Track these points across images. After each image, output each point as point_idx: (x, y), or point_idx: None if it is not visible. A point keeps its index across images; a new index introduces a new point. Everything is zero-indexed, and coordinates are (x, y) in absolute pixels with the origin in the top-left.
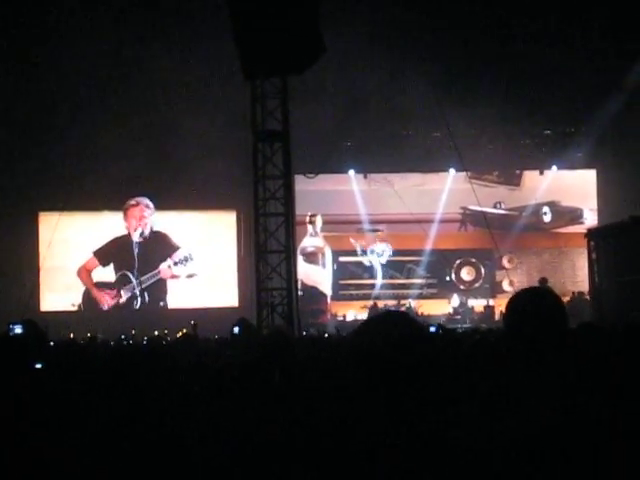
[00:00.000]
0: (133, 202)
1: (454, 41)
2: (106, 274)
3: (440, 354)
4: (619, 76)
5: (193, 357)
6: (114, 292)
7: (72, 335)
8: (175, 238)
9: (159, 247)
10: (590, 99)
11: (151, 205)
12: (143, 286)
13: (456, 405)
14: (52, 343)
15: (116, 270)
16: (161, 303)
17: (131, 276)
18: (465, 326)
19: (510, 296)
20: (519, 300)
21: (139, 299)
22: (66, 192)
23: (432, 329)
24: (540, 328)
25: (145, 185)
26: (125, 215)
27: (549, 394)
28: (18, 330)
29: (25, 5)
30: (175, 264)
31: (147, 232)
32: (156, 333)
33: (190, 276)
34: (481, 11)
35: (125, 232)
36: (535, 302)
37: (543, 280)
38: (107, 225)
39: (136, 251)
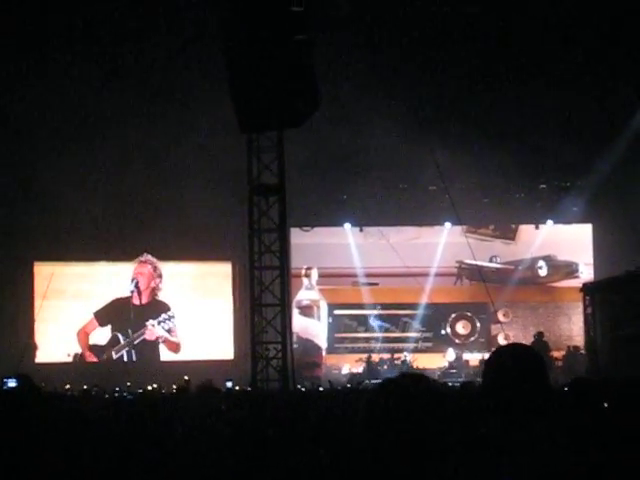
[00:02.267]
0: (142, 259)
1: (450, 95)
2: (102, 335)
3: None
4: (614, 130)
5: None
6: (104, 355)
7: (68, 387)
8: (171, 289)
9: (155, 313)
10: (585, 153)
11: (157, 264)
12: (132, 344)
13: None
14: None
15: (112, 331)
16: (153, 361)
17: (121, 338)
18: (460, 380)
19: None
20: (497, 357)
21: (127, 356)
22: (61, 243)
23: None
24: (516, 386)
25: (141, 236)
26: (135, 273)
27: (527, 453)
28: (12, 384)
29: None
30: (159, 323)
31: (150, 298)
32: (151, 387)
33: (173, 347)
34: (478, 66)
35: (127, 293)
36: (513, 359)
37: (540, 334)
38: (103, 276)
39: (133, 313)
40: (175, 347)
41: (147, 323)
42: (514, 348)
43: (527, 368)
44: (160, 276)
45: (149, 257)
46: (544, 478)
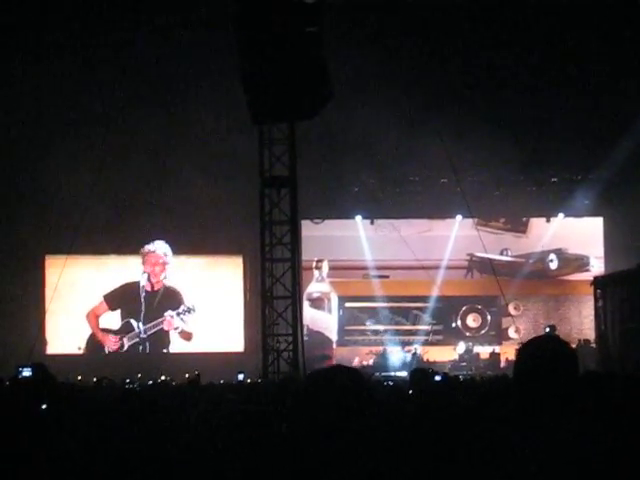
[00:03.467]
0: (152, 249)
1: (462, 88)
2: (113, 319)
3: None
4: (626, 124)
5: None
6: (117, 338)
7: (80, 378)
8: (184, 281)
9: (167, 301)
10: (597, 147)
11: (169, 252)
12: (147, 334)
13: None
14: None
15: (122, 316)
16: (164, 350)
17: (135, 325)
18: (470, 373)
19: (516, 343)
20: (530, 348)
21: (141, 347)
22: (73, 235)
23: (437, 378)
24: (552, 379)
25: (153, 230)
26: (143, 261)
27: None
28: (27, 373)
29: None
30: (178, 315)
31: (160, 284)
32: (162, 378)
33: (187, 336)
34: (490, 59)
35: (137, 279)
36: (548, 351)
37: (552, 328)
38: (114, 269)
39: (144, 300)
40: (189, 336)
41: (166, 314)
42: (546, 340)
43: (562, 361)
44: (168, 262)
45: (158, 244)
46: (569, 466)
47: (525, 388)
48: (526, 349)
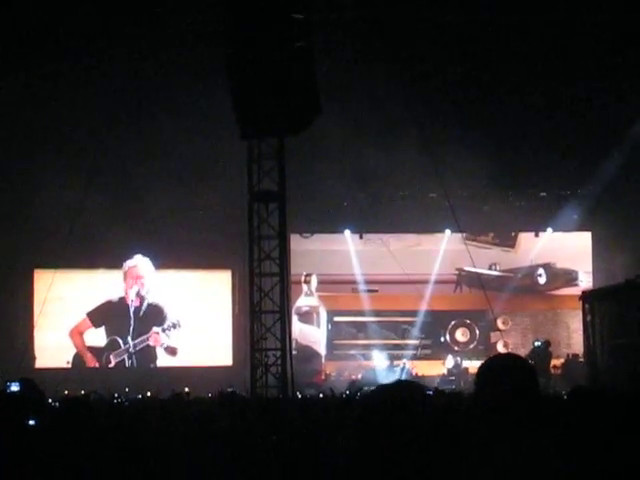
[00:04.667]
0: (132, 264)
1: (449, 103)
2: (98, 336)
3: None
4: (614, 139)
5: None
6: (103, 357)
7: (67, 392)
8: (170, 296)
9: (151, 317)
10: (585, 162)
11: (149, 266)
12: (134, 350)
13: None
14: (50, 401)
15: (107, 333)
16: (151, 365)
17: (121, 342)
18: (459, 388)
19: None
20: (487, 366)
21: (128, 362)
22: (62, 249)
23: (429, 392)
24: (506, 396)
25: (141, 244)
26: (125, 277)
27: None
28: (15, 388)
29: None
30: (163, 331)
31: (142, 300)
32: (149, 394)
33: (172, 351)
34: (477, 75)
35: (121, 295)
36: (504, 370)
37: (546, 343)
38: (103, 283)
39: (128, 316)
40: (174, 351)
41: (152, 329)
42: (504, 358)
43: (517, 378)
44: (148, 277)
45: (139, 258)
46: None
47: (483, 403)
48: (483, 367)
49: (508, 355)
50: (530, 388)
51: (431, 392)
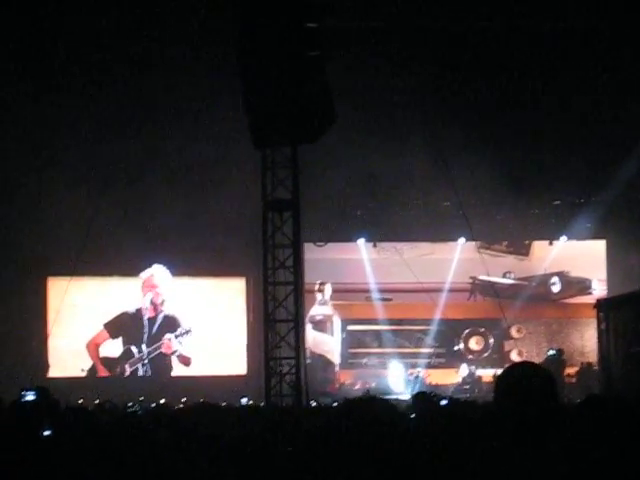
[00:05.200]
0: (148, 274)
1: (462, 111)
2: (114, 347)
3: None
4: (628, 146)
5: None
6: (118, 368)
7: (81, 401)
8: (185, 304)
9: (167, 325)
10: (599, 170)
11: (166, 275)
12: (147, 358)
13: None
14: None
15: (124, 343)
16: (166, 374)
17: (135, 351)
18: (473, 396)
19: None
20: (507, 375)
21: (141, 371)
22: (76, 257)
23: (443, 402)
24: (526, 404)
25: (155, 252)
26: (142, 286)
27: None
28: (30, 397)
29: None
30: (176, 337)
31: (159, 309)
32: (162, 401)
33: (185, 361)
34: (490, 82)
35: (137, 305)
36: (525, 378)
37: (559, 352)
38: (117, 291)
39: (146, 326)
40: (187, 361)
41: (165, 337)
42: (524, 366)
43: (537, 386)
44: (166, 286)
45: (157, 268)
46: None
47: (504, 412)
48: (502, 377)
49: (527, 363)
50: (551, 396)
51: (445, 402)
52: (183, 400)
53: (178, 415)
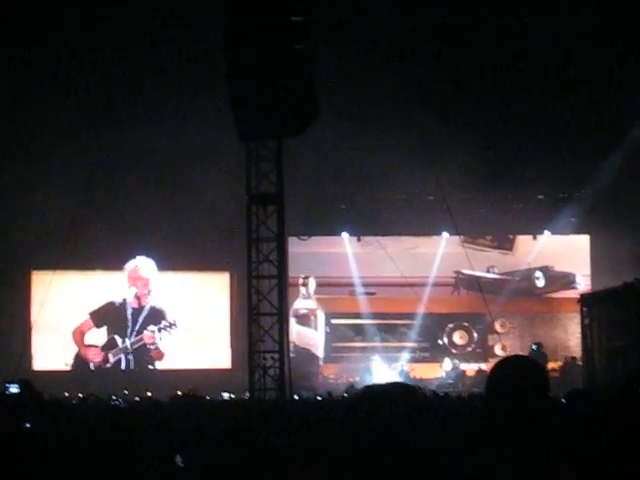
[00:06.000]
0: (132, 266)
1: (448, 106)
2: (99, 336)
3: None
4: (612, 142)
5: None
6: (100, 352)
7: (66, 394)
8: (169, 298)
9: (152, 318)
10: (583, 164)
11: (152, 268)
12: (131, 349)
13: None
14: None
15: (108, 333)
16: (149, 367)
17: (119, 340)
18: (457, 391)
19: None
20: (499, 368)
21: (124, 362)
22: (59, 251)
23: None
24: (517, 397)
25: (139, 246)
26: (128, 277)
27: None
28: (14, 390)
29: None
30: (160, 330)
31: (145, 301)
32: (148, 394)
33: (159, 355)
34: (475, 77)
35: (123, 296)
36: (515, 371)
37: (539, 345)
38: (101, 284)
39: (129, 317)
40: (161, 355)
41: (148, 328)
42: (516, 359)
43: (528, 380)
44: (151, 278)
45: (141, 260)
46: None
47: (495, 406)
48: (495, 369)
49: (519, 356)
50: (541, 390)
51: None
52: (167, 394)
53: (163, 408)
